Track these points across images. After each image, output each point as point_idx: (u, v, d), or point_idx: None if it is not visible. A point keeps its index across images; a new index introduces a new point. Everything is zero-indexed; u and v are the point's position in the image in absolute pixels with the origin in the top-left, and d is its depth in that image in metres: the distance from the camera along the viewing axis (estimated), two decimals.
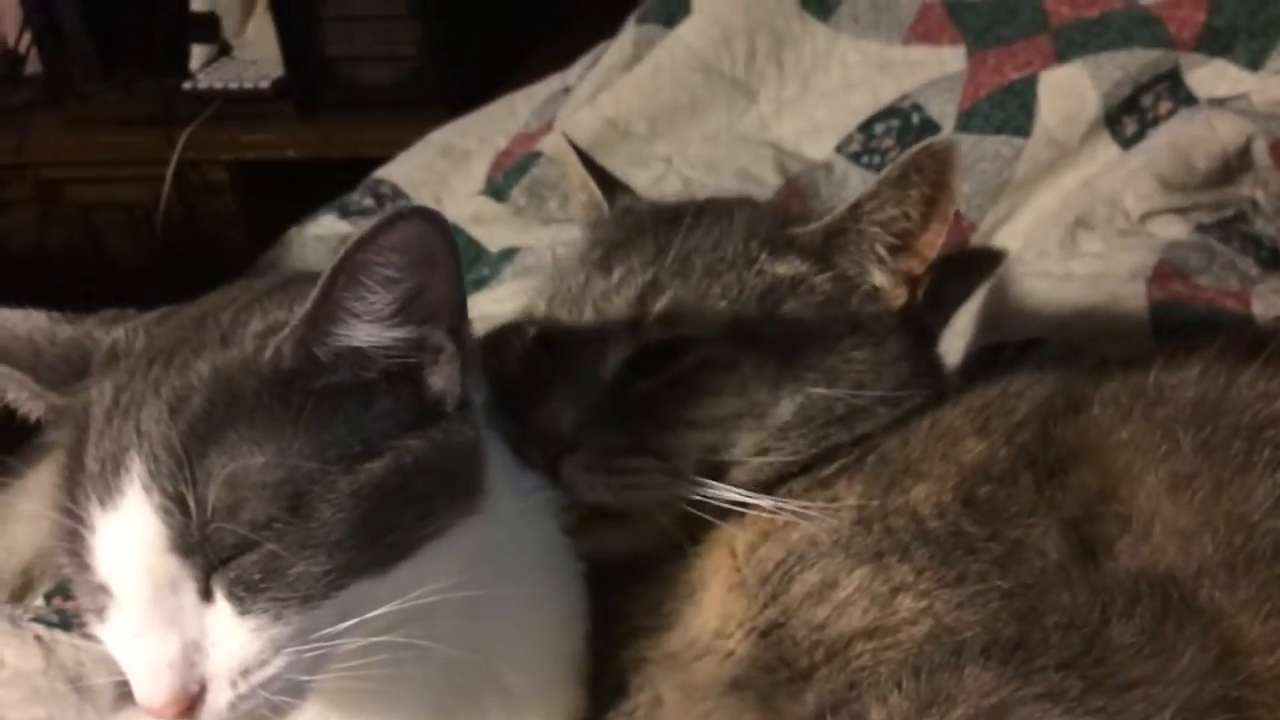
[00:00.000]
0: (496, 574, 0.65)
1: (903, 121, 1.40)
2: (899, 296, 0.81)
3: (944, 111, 1.38)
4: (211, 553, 0.56)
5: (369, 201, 1.62)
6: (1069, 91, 1.31)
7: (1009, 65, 1.36)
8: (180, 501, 0.56)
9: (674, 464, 0.74)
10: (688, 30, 1.56)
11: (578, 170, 0.96)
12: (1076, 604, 0.63)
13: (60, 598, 1.07)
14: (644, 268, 0.80)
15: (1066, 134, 1.30)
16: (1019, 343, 1.08)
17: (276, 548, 0.56)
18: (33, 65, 2.46)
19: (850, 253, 0.80)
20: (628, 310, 0.78)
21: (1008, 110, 1.33)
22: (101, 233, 2.40)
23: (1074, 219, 1.20)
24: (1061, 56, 1.34)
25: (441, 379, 0.63)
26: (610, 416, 0.75)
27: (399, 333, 0.60)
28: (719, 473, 0.74)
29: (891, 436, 0.75)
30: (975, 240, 1.31)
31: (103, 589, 0.59)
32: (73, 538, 0.59)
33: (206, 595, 0.57)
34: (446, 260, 0.61)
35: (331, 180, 1.74)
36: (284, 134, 2.25)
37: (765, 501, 0.73)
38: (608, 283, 0.80)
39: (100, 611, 0.60)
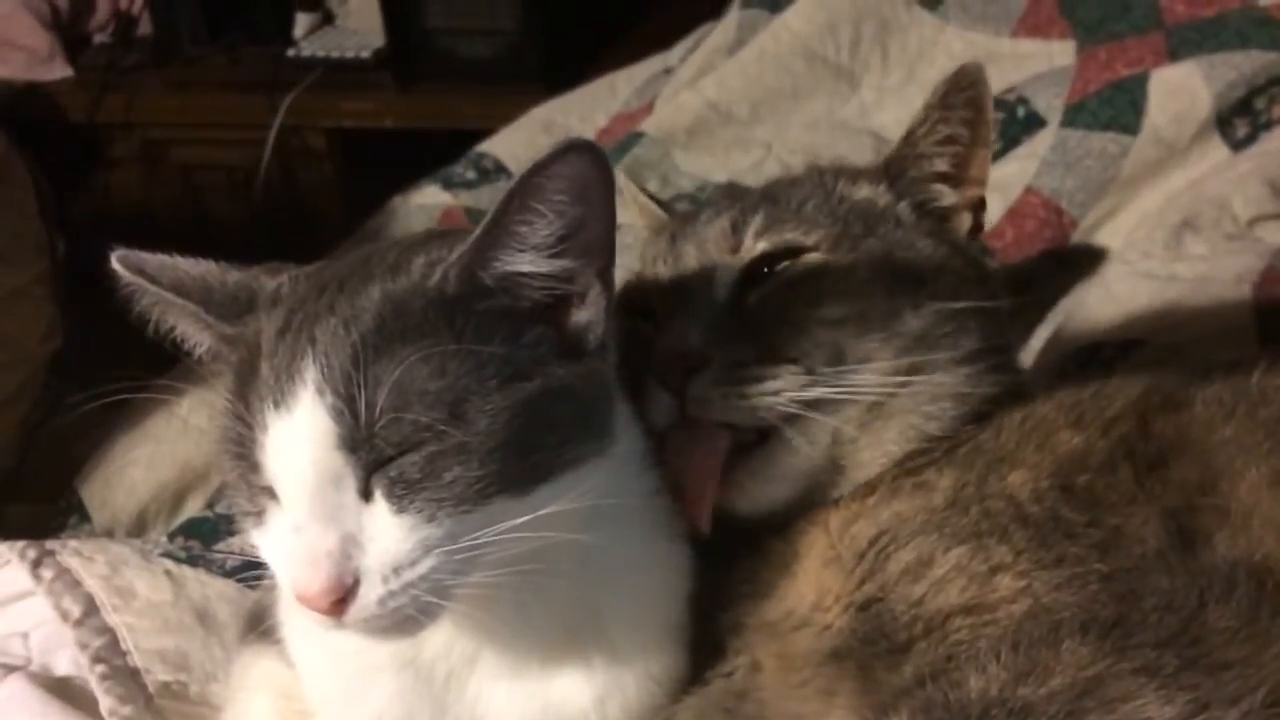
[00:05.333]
0: (613, 522, 0.68)
1: (1008, 114, 1.38)
2: (965, 221, 0.86)
3: (1051, 105, 1.36)
4: (376, 451, 0.60)
5: (471, 174, 1.65)
6: (1180, 91, 1.29)
7: (1120, 62, 1.34)
8: (351, 402, 0.60)
9: (806, 365, 0.75)
10: (794, 15, 1.56)
11: (637, 195, 1.01)
12: (1174, 588, 0.63)
13: (183, 537, 1.12)
14: (728, 208, 0.84)
15: (1176, 134, 1.28)
16: (1119, 343, 1.07)
17: (436, 449, 0.60)
18: (144, 28, 2.53)
19: (915, 178, 0.85)
20: (724, 239, 0.82)
21: (1116, 107, 1.31)
22: (203, 193, 2.47)
23: (1180, 220, 1.18)
24: (1174, 55, 1.32)
25: (587, 316, 0.66)
26: (735, 331, 0.76)
27: (557, 264, 0.64)
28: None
29: (983, 430, 0.76)
30: (1076, 237, 1.30)
31: (266, 491, 0.63)
32: (242, 442, 0.62)
33: (366, 494, 0.61)
34: (605, 199, 0.64)
35: (425, 151, 1.77)
36: (382, 103, 2.30)
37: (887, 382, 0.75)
38: (695, 228, 0.84)
39: (259, 515, 0.63)
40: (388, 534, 0.60)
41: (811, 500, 0.77)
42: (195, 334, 0.69)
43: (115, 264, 0.67)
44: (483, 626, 0.69)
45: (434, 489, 0.60)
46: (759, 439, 0.76)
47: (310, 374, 0.60)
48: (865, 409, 0.76)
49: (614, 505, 0.67)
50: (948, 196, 0.85)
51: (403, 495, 0.60)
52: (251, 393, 0.62)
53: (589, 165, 0.62)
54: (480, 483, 0.60)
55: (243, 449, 0.62)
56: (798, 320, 0.77)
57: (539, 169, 0.61)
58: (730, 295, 0.79)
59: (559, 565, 0.66)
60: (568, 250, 0.64)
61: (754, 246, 0.81)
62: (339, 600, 0.60)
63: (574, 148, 0.61)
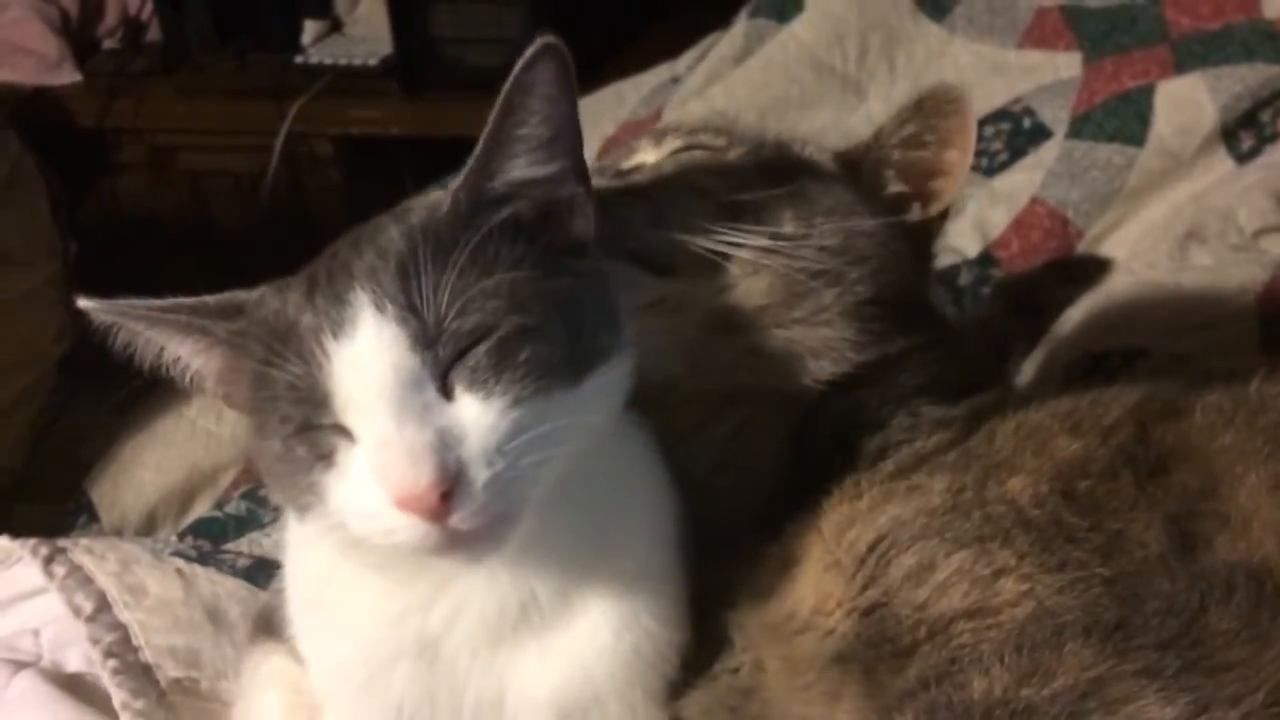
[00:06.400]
0: (620, 440, 0.72)
1: (1014, 125, 1.40)
2: (913, 213, 0.87)
3: (1056, 117, 1.38)
4: (450, 344, 0.61)
5: None
6: (1186, 103, 1.30)
7: (1126, 74, 1.36)
8: (414, 308, 0.61)
9: (654, 210, 0.78)
10: (802, 26, 1.57)
11: None
12: (1176, 591, 0.64)
13: (193, 537, 1.12)
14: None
15: (1181, 145, 1.29)
16: (1123, 352, 1.08)
17: (505, 333, 0.62)
18: (153, 34, 2.54)
19: (872, 166, 0.86)
20: (651, 143, 0.86)
21: (1122, 118, 1.32)
22: (210, 199, 2.48)
23: (1185, 231, 1.20)
24: (1180, 67, 1.33)
25: (582, 221, 0.69)
26: (620, 194, 0.80)
27: (550, 168, 0.67)
28: None
29: (971, 435, 0.77)
30: (1081, 247, 1.31)
31: (333, 430, 0.63)
32: (298, 385, 0.62)
33: (446, 394, 0.62)
34: (574, 100, 0.68)
35: (432, 158, 1.78)
36: (389, 111, 2.30)
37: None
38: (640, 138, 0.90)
39: (329, 457, 0.63)
40: (480, 421, 0.61)
41: (699, 380, 0.78)
42: (191, 347, 0.68)
43: (86, 307, 0.67)
44: (521, 574, 0.70)
45: (512, 370, 0.62)
46: None
47: (363, 298, 0.62)
48: (727, 305, 0.77)
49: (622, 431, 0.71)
50: (895, 185, 0.86)
51: (486, 380, 0.61)
52: (297, 342, 0.63)
53: (563, 64, 0.65)
54: (549, 361, 0.63)
55: (300, 391, 0.62)
56: (670, 185, 0.80)
57: (525, 69, 0.64)
58: (631, 169, 0.84)
59: (580, 484, 0.68)
60: (557, 152, 0.67)
61: (673, 143, 0.85)
62: (445, 496, 0.60)
63: (550, 47, 0.65)
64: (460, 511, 0.60)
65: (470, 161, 0.66)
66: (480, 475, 0.60)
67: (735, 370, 0.78)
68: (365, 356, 0.61)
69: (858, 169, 0.86)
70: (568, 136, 0.68)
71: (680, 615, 0.75)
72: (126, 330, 0.67)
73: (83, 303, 0.67)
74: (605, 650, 0.71)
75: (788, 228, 0.78)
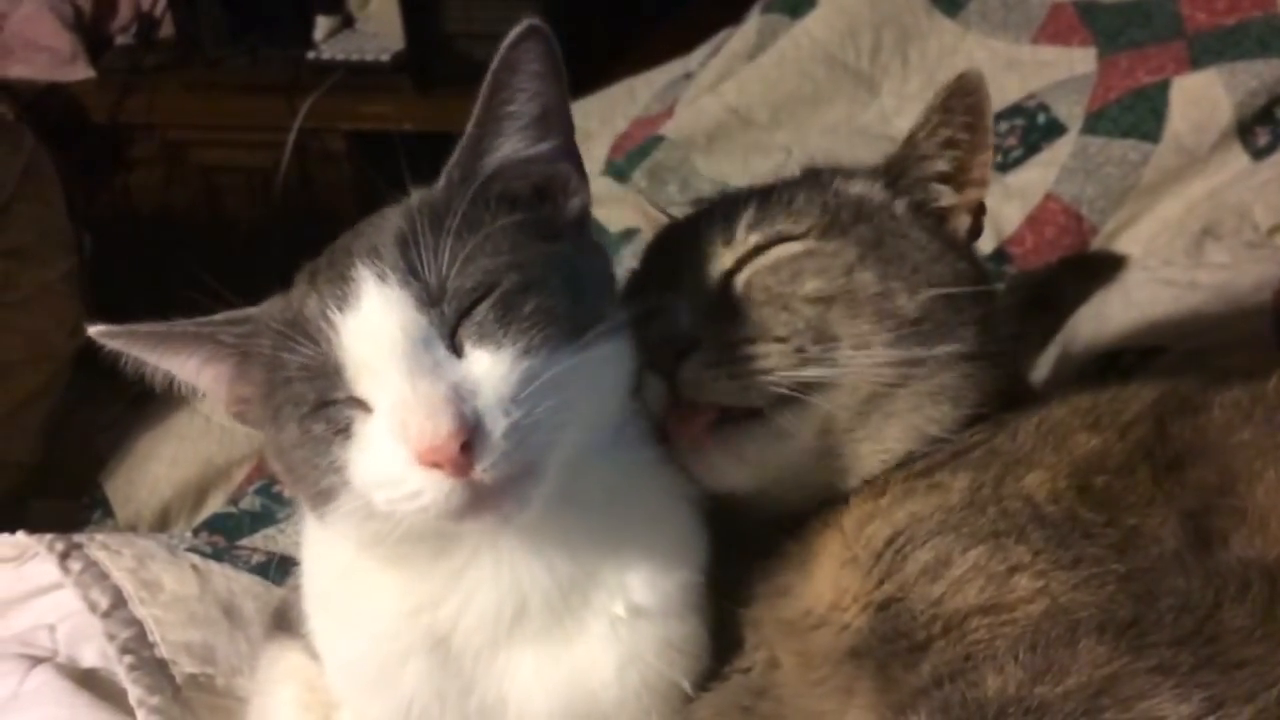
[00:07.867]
0: (634, 460, 0.73)
1: (1028, 120, 1.39)
2: (964, 223, 0.87)
3: (1071, 113, 1.37)
4: (456, 300, 0.63)
5: None
6: (1201, 99, 1.29)
7: (1141, 69, 1.35)
8: (414, 272, 0.63)
9: (795, 343, 0.76)
10: (814, 21, 1.57)
11: (646, 207, 1.07)
12: (1191, 588, 0.64)
13: (208, 533, 1.13)
14: (721, 205, 0.86)
15: (1196, 142, 1.28)
16: (1139, 350, 1.08)
17: (509, 288, 0.63)
18: (166, 30, 2.55)
19: (916, 178, 0.86)
20: (717, 233, 0.83)
21: (1137, 114, 1.32)
22: (222, 194, 2.48)
23: (1201, 228, 1.19)
24: (1196, 63, 1.32)
25: (577, 203, 0.71)
26: (725, 314, 0.78)
27: (541, 147, 0.69)
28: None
29: (996, 433, 0.77)
30: (1096, 244, 1.30)
31: (347, 403, 0.64)
32: (309, 362, 0.64)
33: (456, 352, 0.63)
34: (562, 81, 0.69)
35: (444, 154, 1.78)
36: (401, 107, 2.30)
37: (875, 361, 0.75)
38: (689, 225, 0.87)
39: (345, 429, 0.64)
40: (493, 372, 0.62)
41: (805, 494, 0.78)
42: (200, 360, 0.69)
43: (95, 333, 0.68)
44: (524, 571, 0.70)
45: (519, 322, 0.63)
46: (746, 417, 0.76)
47: (364, 272, 0.63)
48: (863, 399, 0.76)
49: (632, 449, 0.72)
50: (947, 197, 0.86)
51: (494, 333, 0.63)
52: (304, 324, 0.64)
53: (548, 45, 0.67)
54: (553, 313, 0.64)
55: (312, 369, 0.64)
56: (785, 299, 0.78)
57: (511, 47, 0.66)
58: (721, 281, 0.81)
59: (592, 490, 0.69)
60: (547, 131, 0.68)
61: (746, 239, 0.82)
62: (465, 447, 0.60)
63: (534, 29, 0.66)
64: (482, 461, 0.61)
65: (462, 140, 0.67)
66: (499, 424, 0.61)
67: (859, 446, 0.78)
68: (372, 322, 0.62)
69: (899, 180, 0.86)
70: (557, 115, 0.69)
71: (697, 648, 0.75)
72: (135, 358, 0.68)
73: (92, 330, 0.68)
74: (610, 684, 0.72)
75: (905, 308, 0.77)
